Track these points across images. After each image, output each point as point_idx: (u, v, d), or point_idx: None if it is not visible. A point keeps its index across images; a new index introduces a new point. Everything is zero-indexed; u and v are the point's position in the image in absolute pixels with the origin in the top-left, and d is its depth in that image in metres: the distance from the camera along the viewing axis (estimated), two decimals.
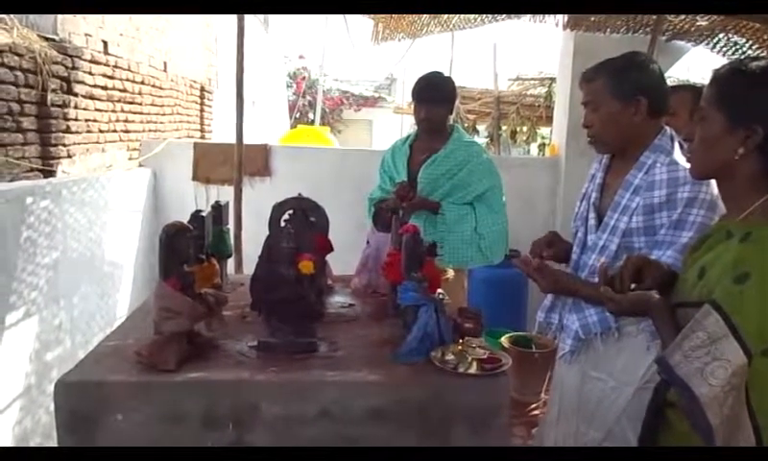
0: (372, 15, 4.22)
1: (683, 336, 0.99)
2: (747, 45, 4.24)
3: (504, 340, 3.54)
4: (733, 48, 4.37)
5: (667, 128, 1.66)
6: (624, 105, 1.62)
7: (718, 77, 1.13)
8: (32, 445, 2.60)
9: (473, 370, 1.44)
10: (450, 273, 2.58)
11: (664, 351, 1.04)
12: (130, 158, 4.10)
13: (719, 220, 1.22)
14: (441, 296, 1.61)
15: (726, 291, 1.00)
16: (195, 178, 4.32)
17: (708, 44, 4.48)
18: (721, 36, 4.26)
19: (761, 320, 0.96)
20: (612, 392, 1.62)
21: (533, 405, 3.43)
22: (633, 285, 1.20)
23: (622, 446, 1.39)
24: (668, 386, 1.13)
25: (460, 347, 1.52)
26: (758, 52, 4.10)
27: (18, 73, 2.77)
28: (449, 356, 1.48)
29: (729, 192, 1.14)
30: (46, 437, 2.66)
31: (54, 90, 3.02)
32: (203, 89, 5.76)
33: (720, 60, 4.44)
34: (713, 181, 1.29)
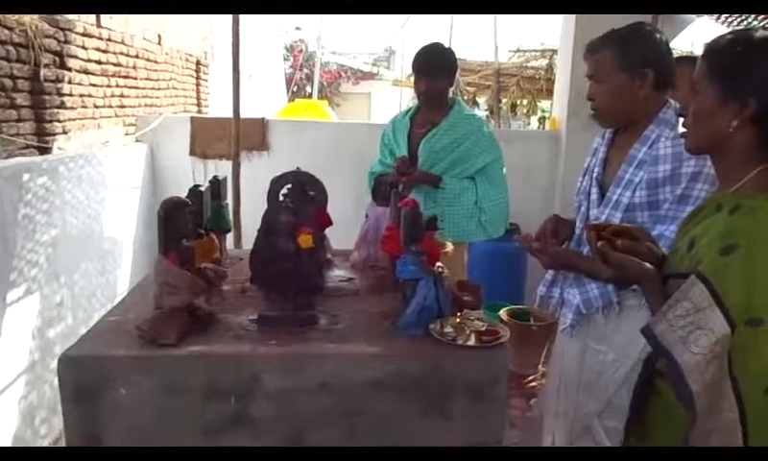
0: None
1: (668, 306, 1.01)
2: (752, 16, 4.19)
3: (503, 313, 3.56)
4: (738, 17, 4.31)
5: (672, 101, 1.64)
6: (630, 77, 1.59)
7: (711, 50, 1.12)
8: (37, 418, 2.63)
9: (472, 342, 1.45)
10: (450, 247, 2.58)
11: (650, 320, 1.05)
12: (126, 134, 4.07)
13: (712, 193, 1.22)
14: (440, 269, 1.61)
15: (712, 262, 1.01)
16: (192, 152, 4.30)
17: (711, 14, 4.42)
18: None
19: (746, 291, 0.97)
20: (611, 364, 1.64)
21: (530, 377, 3.47)
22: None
23: (620, 417, 1.40)
24: (658, 356, 1.14)
25: (459, 319, 1.53)
26: (764, 22, 4.05)
27: (9, 47, 2.73)
28: (448, 329, 1.48)
29: (722, 165, 1.14)
30: (51, 411, 2.70)
31: (47, 65, 2.98)
32: (198, 63, 5.69)
33: (724, 31, 4.39)
34: None
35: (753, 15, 4.14)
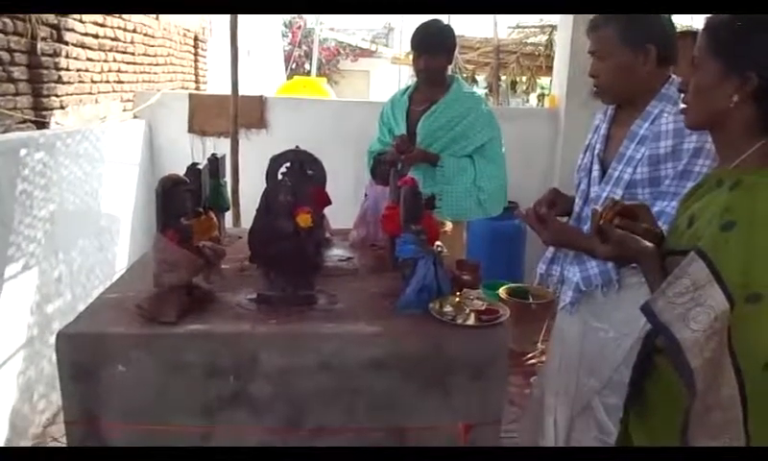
0: None
1: (668, 283, 1.01)
2: None
3: (502, 292, 3.57)
4: None
5: (674, 76, 1.63)
6: (634, 53, 1.58)
7: (711, 25, 1.11)
8: (36, 394, 2.65)
9: (471, 321, 1.45)
10: (449, 225, 2.58)
11: (650, 297, 1.05)
12: (124, 110, 4.03)
13: (713, 169, 1.21)
14: (439, 248, 1.61)
15: (712, 238, 1.01)
16: (191, 130, 4.27)
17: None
18: None
19: (745, 267, 0.98)
20: (612, 342, 1.64)
21: (530, 355, 3.49)
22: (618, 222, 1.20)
23: (620, 394, 1.41)
24: (657, 333, 1.15)
25: (458, 298, 1.53)
26: None
27: (6, 19, 2.69)
28: (447, 308, 1.49)
29: (722, 141, 1.14)
30: (50, 387, 2.71)
31: (44, 38, 2.95)
32: (196, 39, 5.63)
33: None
34: None
35: None
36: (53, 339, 1.37)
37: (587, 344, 1.71)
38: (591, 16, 1.68)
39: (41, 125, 2.99)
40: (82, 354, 1.36)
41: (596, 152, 1.72)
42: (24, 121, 2.88)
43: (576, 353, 1.74)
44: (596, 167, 1.70)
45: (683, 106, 1.18)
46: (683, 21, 4.94)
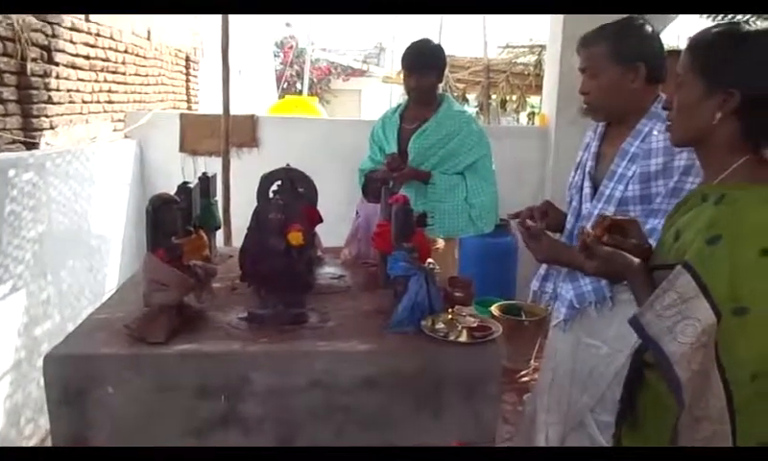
0: None
1: (655, 296, 1.02)
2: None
3: (494, 309, 3.57)
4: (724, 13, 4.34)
5: (662, 95, 1.65)
6: (623, 71, 1.60)
7: (694, 42, 1.13)
8: (23, 419, 2.60)
9: (464, 338, 1.45)
10: (440, 243, 2.59)
11: (637, 311, 1.06)
12: (114, 130, 4.02)
13: (698, 185, 1.23)
14: (431, 265, 1.61)
15: (698, 252, 1.01)
16: (182, 149, 4.27)
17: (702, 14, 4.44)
18: None
19: (731, 280, 0.98)
20: (605, 358, 1.64)
21: (523, 372, 3.48)
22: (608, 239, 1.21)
23: (613, 411, 1.41)
24: (646, 348, 1.15)
25: (450, 316, 1.52)
26: (749, 17, 4.08)
27: None
28: (440, 325, 1.48)
29: (706, 157, 1.15)
30: (38, 411, 2.67)
31: (34, 59, 2.94)
32: (188, 59, 5.64)
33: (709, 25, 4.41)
34: None
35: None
36: (41, 362, 1.35)
37: (579, 361, 1.71)
38: (582, 34, 1.70)
39: (31, 146, 2.97)
40: (70, 377, 1.34)
41: (587, 169, 1.73)
42: (13, 142, 2.87)
43: (569, 371, 1.74)
44: (588, 184, 1.71)
45: (668, 123, 1.19)
46: (670, 41, 5.03)
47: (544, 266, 1.82)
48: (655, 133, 1.58)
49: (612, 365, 1.62)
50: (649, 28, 1.64)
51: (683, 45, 1.18)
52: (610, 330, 1.63)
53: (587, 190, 1.71)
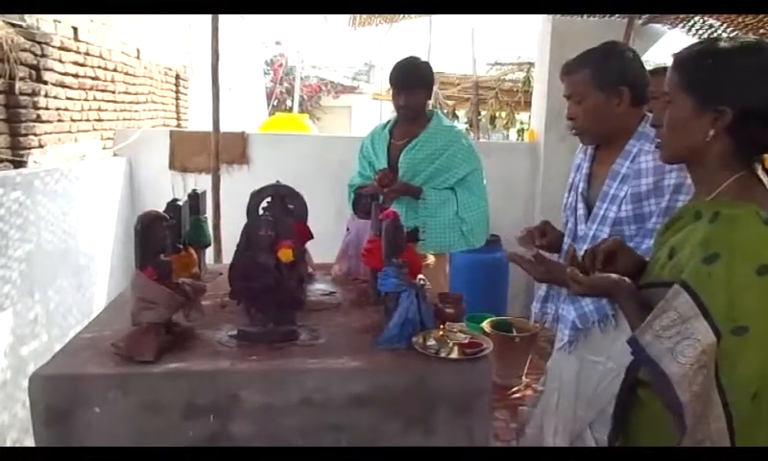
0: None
1: (653, 316, 1.01)
2: (722, 28, 4.29)
3: (485, 325, 3.56)
4: (709, 30, 4.42)
5: (650, 114, 1.67)
6: (607, 95, 1.63)
7: (682, 60, 1.13)
8: (8, 440, 2.56)
9: (455, 355, 1.44)
10: (431, 258, 2.58)
11: (635, 331, 1.05)
12: (104, 148, 4.01)
13: (689, 201, 1.23)
14: (422, 281, 1.61)
15: (695, 271, 1.01)
16: (171, 166, 4.26)
17: (684, 27, 4.52)
18: (697, 18, 4.30)
19: (729, 299, 0.98)
20: (610, 373, 1.63)
21: (514, 389, 3.47)
22: (600, 268, 1.22)
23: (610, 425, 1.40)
24: (639, 365, 1.15)
25: (441, 332, 1.52)
26: (735, 34, 4.15)
27: None
28: (431, 342, 1.47)
29: (699, 174, 1.15)
30: (24, 432, 2.62)
31: (22, 78, 2.94)
32: (178, 77, 5.65)
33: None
34: None
35: (723, 28, 4.24)
36: (27, 382, 1.33)
37: (584, 378, 1.70)
38: (568, 56, 1.72)
39: (19, 164, 2.96)
40: (56, 397, 1.32)
41: (580, 191, 1.75)
42: (1, 160, 2.85)
43: (574, 389, 1.73)
44: (581, 206, 1.73)
45: (657, 141, 1.20)
46: (655, 59, 5.10)
47: (544, 287, 1.82)
48: (643, 153, 1.61)
49: (617, 378, 1.62)
50: (629, 53, 1.68)
51: (669, 63, 1.18)
52: (615, 346, 1.62)
53: (581, 212, 1.72)
